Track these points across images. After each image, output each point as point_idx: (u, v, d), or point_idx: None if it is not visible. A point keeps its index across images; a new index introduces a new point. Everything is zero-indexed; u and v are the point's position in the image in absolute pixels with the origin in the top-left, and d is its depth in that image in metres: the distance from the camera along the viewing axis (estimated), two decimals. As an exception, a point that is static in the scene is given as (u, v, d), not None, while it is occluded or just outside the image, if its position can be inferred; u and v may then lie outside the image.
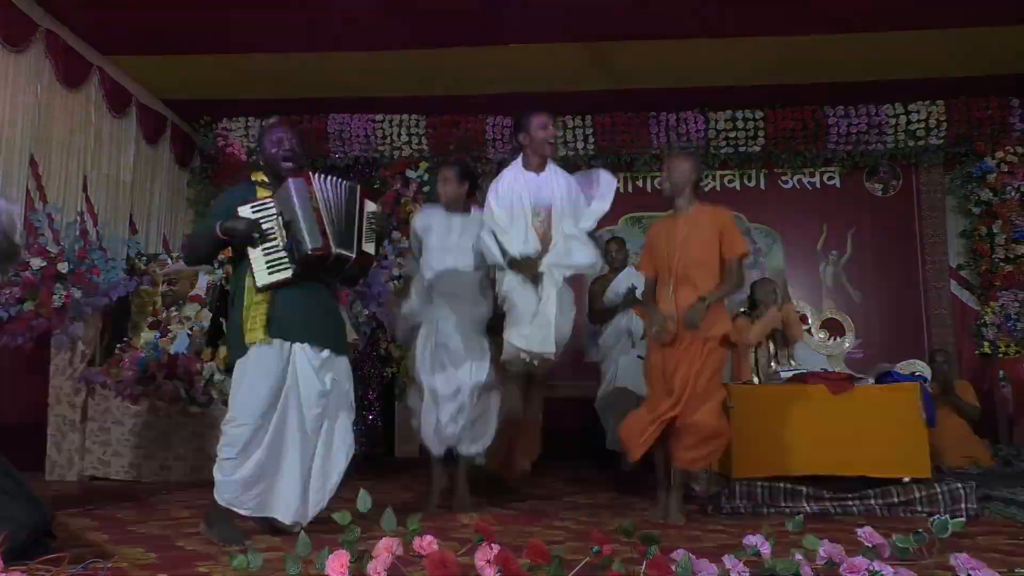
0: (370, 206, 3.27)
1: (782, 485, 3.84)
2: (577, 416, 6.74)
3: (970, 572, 2.16)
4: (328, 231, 3.06)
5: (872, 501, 3.80)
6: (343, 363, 3.24)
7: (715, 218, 3.71)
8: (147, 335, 5.10)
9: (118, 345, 5.08)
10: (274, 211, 3.09)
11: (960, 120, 7.14)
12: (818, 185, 7.61)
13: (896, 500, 3.79)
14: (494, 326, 4.09)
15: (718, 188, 7.53)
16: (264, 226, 3.08)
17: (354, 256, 3.15)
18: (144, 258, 5.35)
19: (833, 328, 5.26)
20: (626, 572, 2.14)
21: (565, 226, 3.84)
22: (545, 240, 3.84)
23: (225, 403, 3.39)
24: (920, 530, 2.59)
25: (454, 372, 3.94)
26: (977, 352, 7.12)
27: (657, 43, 6.16)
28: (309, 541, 2.29)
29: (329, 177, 3.19)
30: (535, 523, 3.49)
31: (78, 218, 5.75)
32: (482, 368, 3.95)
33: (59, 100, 5.70)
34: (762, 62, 6.43)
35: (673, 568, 2.11)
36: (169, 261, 5.33)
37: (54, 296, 4.74)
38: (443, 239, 4.08)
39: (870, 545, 2.43)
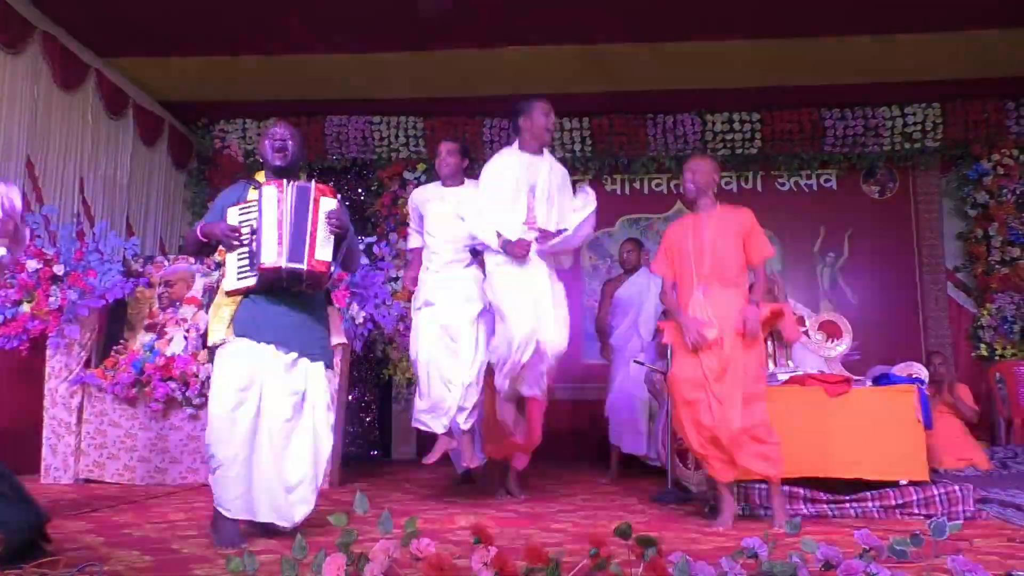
0: (327, 204, 3.16)
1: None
2: (574, 418, 6.74)
3: (967, 574, 2.16)
4: (284, 245, 3.04)
5: (869, 503, 3.80)
6: (319, 369, 3.21)
7: (740, 220, 3.76)
8: (143, 337, 5.09)
9: (114, 347, 5.06)
10: (254, 216, 3.09)
11: (956, 123, 7.15)
12: (815, 187, 7.62)
13: (893, 502, 3.79)
14: None
15: (715, 190, 7.52)
16: (245, 231, 3.09)
17: (305, 268, 3.07)
18: (141, 260, 5.33)
19: (830, 330, 5.26)
20: (623, 574, 2.14)
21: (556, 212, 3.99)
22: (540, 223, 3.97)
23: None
24: (917, 532, 2.59)
25: (457, 355, 4.12)
26: (973, 354, 7.13)
27: (654, 46, 6.17)
28: (305, 544, 2.28)
29: (293, 183, 3.15)
30: (532, 525, 3.48)
31: (74, 220, 5.75)
32: (480, 348, 4.14)
33: (56, 102, 5.69)
34: (759, 65, 6.45)
35: (670, 570, 2.10)
36: (166, 263, 5.32)
37: (50, 298, 4.73)
38: (442, 210, 4.29)
39: (867, 547, 2.42)
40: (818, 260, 7.50)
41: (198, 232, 3.16)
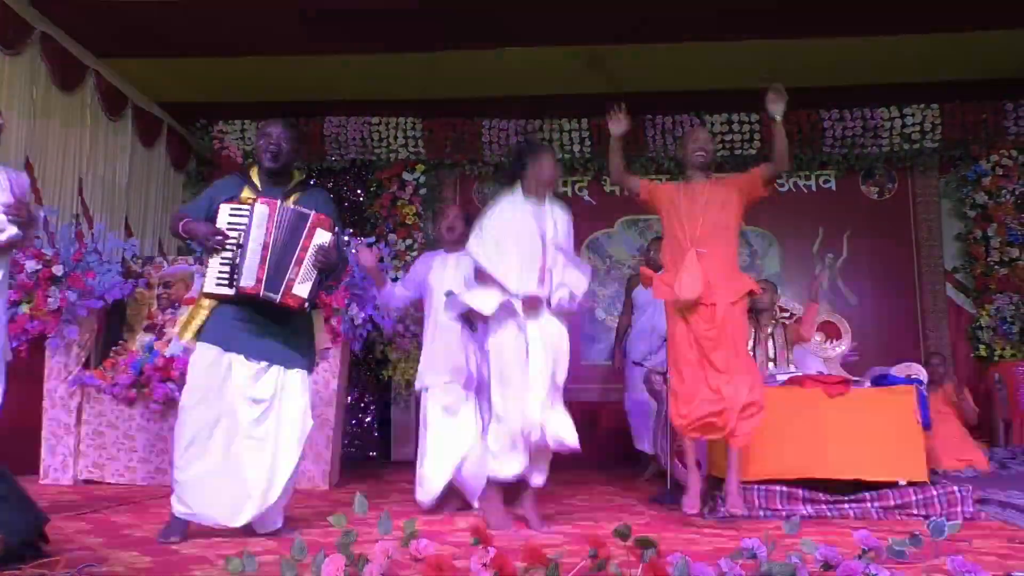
0: (321, 237, 3.13)
1: (778, 488, 3.84)
2: (574, 419, 6.74)
3: (966, 575, 2.16)
4: (264, 272, 3.04)
5: (868, 504, 3.80)
6: (294, 376, 3.20)
7: (728, 181, 3.87)
8: (142, 338, 5.09)
9: (113, 348, 5.06)
10: (245, 222, 3.07)
11: (955, 123, 7.16)
12: (814, 188, 7.62)
13: (892, 503, 3.78)
14: None
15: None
16: (231, 233, 3.07)
17: (278, 301, 3.06)
18: (139, 261, 5.33)
19: (829, 331, 5.26)
20: (622, 575, 2.14)
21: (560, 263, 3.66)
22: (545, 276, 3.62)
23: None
24: (916, 533, 2.59)
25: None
26: (972, 355, 7.13)
27: (653, 46, 6.17)
28: (304, 544, 2.28)
29: (289, 208, 3.12)
30: (531, 526, 3.48)
31: (73, 221, 5.75)
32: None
33: (55, 103, 5.69)
34: (757, 66, 6.44)
35: (669, 571, 2.11)
36: (164, 264, 5.32)
37: (49, 299, 4.73)
38: (447, 278, 4.09)
39: (866, 548, 2.43)
40: (817, 261, 7.50)
41: (179, 229, 3.15)
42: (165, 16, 5.59)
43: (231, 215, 3.10)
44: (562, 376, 3.59)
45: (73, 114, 5.93)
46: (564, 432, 3.56)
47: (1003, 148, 7.15)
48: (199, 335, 3.11)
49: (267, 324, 3.14)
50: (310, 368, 3.30)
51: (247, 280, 3.03)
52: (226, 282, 3.06)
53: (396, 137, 7.49)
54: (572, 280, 3.61)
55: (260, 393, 3.11)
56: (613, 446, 6.36)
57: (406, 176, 7.51)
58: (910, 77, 6.69)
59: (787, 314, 5.17)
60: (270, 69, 6.49)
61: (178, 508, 3.04)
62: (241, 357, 3.10)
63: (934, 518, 2.75)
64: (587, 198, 7.62)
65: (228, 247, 3.06)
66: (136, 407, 4.91)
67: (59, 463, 4.91)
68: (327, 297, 4.87)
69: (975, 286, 7.20)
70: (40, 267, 4.78)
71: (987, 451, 5.90)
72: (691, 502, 3.59)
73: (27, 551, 2.41)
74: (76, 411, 4.95)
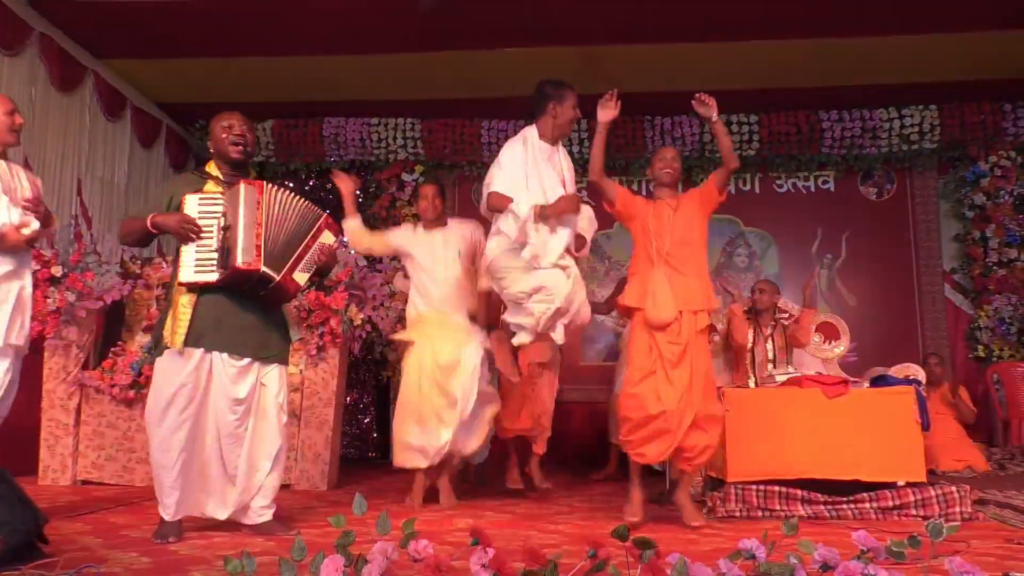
0: (327, 238, 3.20)
1: (777, 489, 3.84)
2: (573, 419, 6.75)
3: None
4: (262, 248, 3.01)
5: (866, 505, 3.80)
6: (273, 372, 3.20)
7: (690, 196, 3.85)
8: (141, 339, 5.08)
9: (112, 349, 5.06)
10: (220, 210, 3.06)
11: (953, 124, 7.17)
12: (813, 189, 7.63)
13: (890, 504, 3.79)
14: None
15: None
16: (203, 222, 3.04)
17: (278, 279, 3.06)
18: (138, 262, 5.33)
19: (828, 332, 5.27)
20: (621, 576, 2.14)
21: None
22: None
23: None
24: (915, 534, 2.59)
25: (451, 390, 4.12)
26: (971, 356, 7.14)
27: (651, 47, 6.18)
28: (304, 545, 2.28)
29: (285, 193, 3.13)
30: (530, 526, 3.48)
31: (72, 222, 5.74)
32: (475, 380, 4.11)
33: (53, 103, 5.69)
34: (756, 66, 6.46)
35: (668, 572, 2.11)
36: (163, 265, 5.32)
37: (48, 299, 4.72)
38: (431, 254, 4.31)
39: (865, 549, 2.43)
40: (815, 262, 7.51)
41: (148, 224, 3.05)
42: (164, 17, 5.59)
43: (202, 204, 3.07)
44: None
45: (72, 115, 5.93)
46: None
47: (1001, 149, 7.16)
48: (187, 337, 3.04)
49: (246, 317, 3.13)
50: (286, 361, 3.31)
51: (245, 256, 2.98)
52: (211, 268, 3.03)
53: (395, 138, 7.49)
54: (584, 225, 3.84)
55: (241, 393, 3.11)
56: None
57: (405, 177, 7.52)
58: (909, 78, 6.69)
59: (786, 315, 5.17)
60: (269, 70, 6.49)
61: (167, 513, 3.05)
62: (224, 355, 3.09)
63: (932, 519, 2.76)
64: (585, 198, 7.61)
65: (206, 234, 3.03)
66: (135, 408, 4.91)
67: (58, 464, 4.90)
68: (326, 298, 4.87)
69: (973, 287, 7.21)
70: (39, 268, 4.77)
71: (985, 452, 5.91)
72: (632, 509, 3.61)
73: (26, 552, 2.41)
74: (75, 412, 4.95)
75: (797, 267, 7.50)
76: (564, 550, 2.70)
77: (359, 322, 4.92)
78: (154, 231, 3.08)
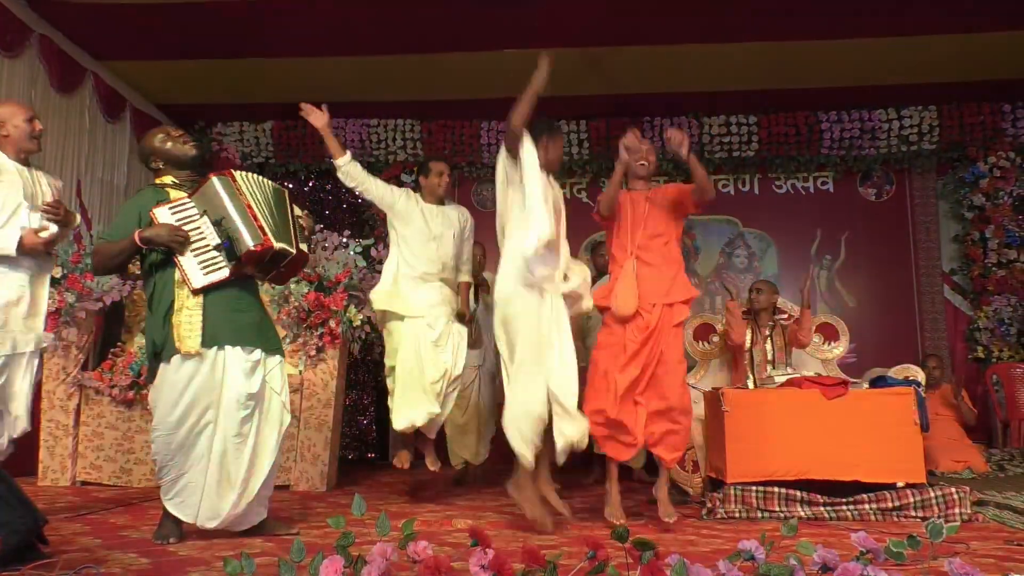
0: (297, 211, 3.32)
1: (776, 490, 3.84)
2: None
3: (964, 576, 2.16)
4: (265, 227, 3.05)
5: (866, 506, 3.80)
6: (276, 361, 3.21)
7: (665, 191, 3.90)
8: (141, 340, 5.08)
9: (111, 350, 5.06)
10: (196, 211, 3.06)
11: (952, 125, 7.17)
12: (812, 190, 7.63)
13: (890, 505, 3.79)
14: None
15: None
16: (188, 227, 3.04)
17: (294, 252, 3.14)
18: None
19: (827, 332, 5.27)
20: (620, 577, 2.14)
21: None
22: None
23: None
24: (914, 535, 2.59)
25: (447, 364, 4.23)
26: (970, 357, 7.14)
27: (651, 49, 6.18)
28: (303, 546, 2.28)
29: (251, 175, 3.19)
30: (529, 528, 3.48)
31: (72, 223, 5.74)
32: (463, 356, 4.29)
33: (53, 105, 5.69)
34: (756, 67, 6.46)
35: (667, 573, 2.11)
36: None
37: (47, 300, 4.72)
38: (429, 227, 4.34)
39: (864, 550, 2.43)
40: (815, 262, 7.51)
41: (136, 239, 3.00)
42: (163, 18, 5.59)
43: (174, 212, 3.05)
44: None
45: (71, 116, 5.93)
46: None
47: (1001, 150, 7.16)
48: (203, 338, 3.03)
49: (249, 311, 3.16)
50: (283, 353, 3.31)
51: (254, 239, 3.01)
52: (219, 266, 3.04)
53: (395, 139, 7.50)
54: (578, 270, 3.67)
55: (254, 387, 3.11)
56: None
57: (404, 178, 7.50)
58: (908, 79, 6.70)
59: (784, 315, 5.17)
60: (268, 71, 6.50)
61: (177, 512, 3.04)
62: (237, 349, 3.08)
63: (932, 520, 2.76)
64: (586, 200, 7.63)
65: (196, 236, 3.04)
66: (134, 409, 4.91)
67: (57, 464, 4.91)
68: (325, 299, 4.87)
69: (973, 288, 7.21)
70: (38, 269, 4.78)
71: (985, 453, 5.91)
72: (613, 511, 3.66)
73: (26, 552, 2.41)
74: (74, 413, 4.96)
75: (796, 268, 7.50)
76: (563, 551, 2.70)
77: (358, 323, 4.92)
78: (143, 247, 3.05)
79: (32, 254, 3.33)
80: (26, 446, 4.85)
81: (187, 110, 7.32)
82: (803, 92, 6.95)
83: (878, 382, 4.35)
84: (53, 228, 3.34)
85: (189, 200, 3.09)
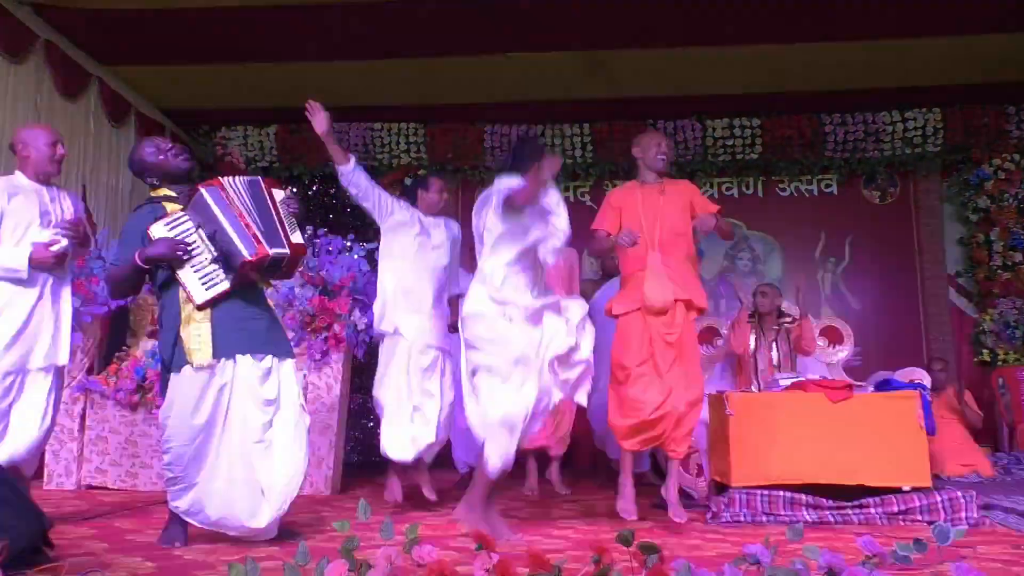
0: (279, 193, 3.25)
1: (781, 494, 3.83)
2: (577, 424, 6.73)
3: (970, 581, 2.15)
4: (258, 234, 3.04)
5: (871, 510, 3.79)
6: (288, 365, 3.21)
7: (684, 189, 3.88)
8: (146, 344, 5.09)
9: (117, 354, 5.07)
10: (191, 224, 3.05)
11: (957, 128, 7.16)
12: (816, 193, 7.62)
13: (896, 509, 3.77)
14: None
15: (715, 195, 7.54)
16: (190, 241, 3.03)
17: (288, 252, 3.11)
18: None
19: (832, 336, 5.27)
20: (626, 581, 2.14)
21: None
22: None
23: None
24: (921, 539, 2.58)
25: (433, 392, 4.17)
26: (976, 360, 7.12)
27: (654, 52, 6.18)
28: (308, 550, 2.28)
29: (236, 179, 3.18)
30: (534, 531, 3.48)
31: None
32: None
33: (58, 110, 5.70)
34: (759, 70, 6.46)
35: (673, 577, 2.10)
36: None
37: (53, 305, 4.73)
38: (429, 240, 4.29)
39: (870, 554, 2.42)
40: (819, 265, 7.50)
41: (137, 261, 3.02)
42: (168, 24, 5.61)
43: (170, 227, 3.05)
44: None
45: (77, 121, 5.95)
46: None
47: (1005, 152, 7.14)
48: (215, 349, 3.03)
49: (257, 317, 3.16)
50: (294, 356, 3.31)
51: (248, 250, 3.00)
52: (219, 279, 3.04)
53: (398, 143, 7.50)
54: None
55: (269, 393, 3.10)
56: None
57: (408, 181, 7.50)
58: (912, 81, 6.69)
59: (789, 319, 5.17)
60: (272, 75, 6.51)
61: (188, 516, 3.04)
62: (248, 357, 3.08)
63: (938, 524, 2.75)
64: (589, 203, 7.63)
65: (194, 250, 3.04)
66: (139, 413, 4.92)
67: (62, 468, 4.91)
68: (329, 303, 4.88)
69: (978, 290, 7.19)
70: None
71: (991, 456, 5.89)
72: (625, 505, 3.67)
73: (31, 556, 2.41)
74: (80, 417, 4.97)
75: (801, 271, 7.46)
76: (568, 555, 2.70)
77: (363, 327, 4.92)
78: (146, 267, 3.06)
79: (43, 268, 3.35)
80: (31, 450, 4.87)
81: (191, 114, 7.34)
82: (807, 95, 6.94)
83: (883, 385, 4.34)
84: (64, 242, 3.35)
85: (184, 214, 3.09)
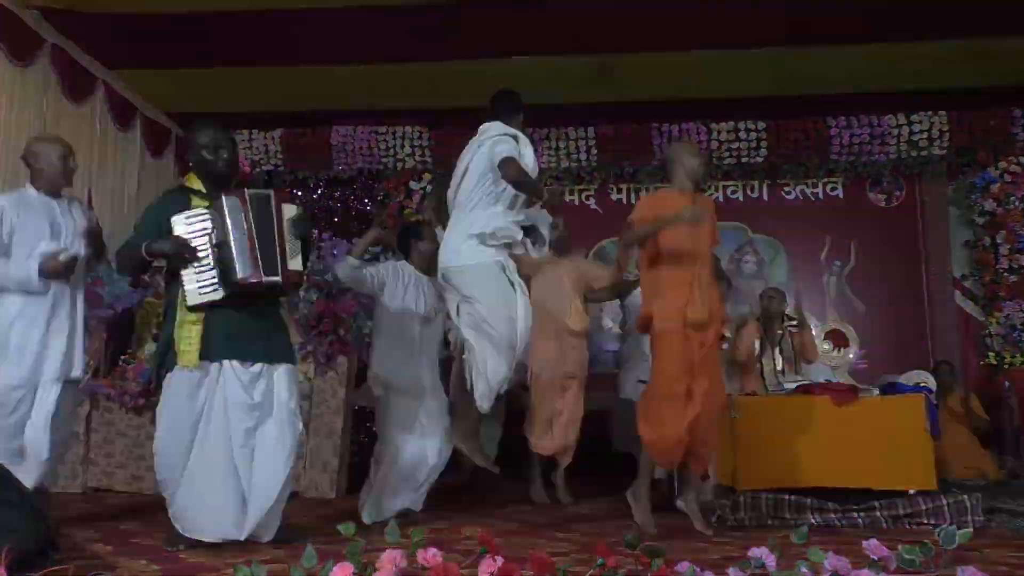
0: (289, 211, 3.21)
1: (787, 497, 3.82)
2: (581, 426, 6.73)
3: (976, 584, 2.15)
4: (259, 258, 3.02)
5: (877, 513, 3.78)
6: (283, 371, 3.19)
7: (710, 207, 3.78)
8: (151, 347, 5.10)
9: (122, 357, 5.09)
10: (208, 226, 3.05)
11: (963, 131, 7.13)
12: (821, 196, 7.61)
13: (901, 512, 3.76)
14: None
15: (721, 199, 7.53)
16: (195, 243, 3.03)
17: (280, 281, 3.09)
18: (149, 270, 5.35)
19: (837, 339, 5.26)
20: (630, 584, 2.14)
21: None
22: None
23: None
24: (926, 542, 2.57)
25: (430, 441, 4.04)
26: (982, 363, 7.09)
27: (659, 55, 6.17)
28: (314, 553, 2.29)
29: (260, 195, 3.15)
30: (539, 535, 3.47)
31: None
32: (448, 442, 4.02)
33: (64, 114, 5.72)
34: (764, 74, 6.45)
35: (678, 580, 2.10)
36: (173, 273, 5.35)
37: (59, 308, 4.74)
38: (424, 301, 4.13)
39: (876, 557, 2.41)
40: (824, 269, 7.48)
41: (142, 251, 3.05)
42: (173, 27, 5.62)
43: (189, 223, 3.06)
44: None
45: (83, 125, 5.96)
46: None
47: (1012, 155, 7.12)
48: (202, 352, 3.05)
49: (253, 324, 3.14)
50: (294, 361, 3.31)
51: (244, 272, 3.00)
52: (214, 286, 3.04)
53: (403, 146, 7.50)
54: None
55: (256, 397, 3.11)
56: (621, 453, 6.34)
57: (413, 185, 7.52)
58: (917, 84, 6.67)
59: (794, 322, 5.16)
60: (277, 79, 6.53)
61: (183, 528, 3.04)
62: (236, 363, 3.08)
63: (944, 527, 2.74)
64: (594, 206, 7.63)
65: (201, 252, 3.03)
66: (145, 416, 4.93)
67: (68, 471, 4.92)
68: (334, 306, 4.89)
69: (984, 294, 7.16)
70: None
71: (997, 460, 5.87)
72: (649, 522, 3.62)
73: (37, 559, 2.41)
74: (85, 420, 4.98)
75: (806, 274, 7.47)
76: (573, 558, 2.69)
77: (368, 330, 4.92)
78: (149, 258, 3.08)
79: (54, 278, 3.36)
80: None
81: (197, 118, 7.33)
82: (812, 98, 6.93)
83: (889, 389, 4.33)
84: (72, 250, 3.37)
85: (206, 212, 3.09)
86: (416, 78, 6.54)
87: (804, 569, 2.23)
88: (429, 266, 4.05)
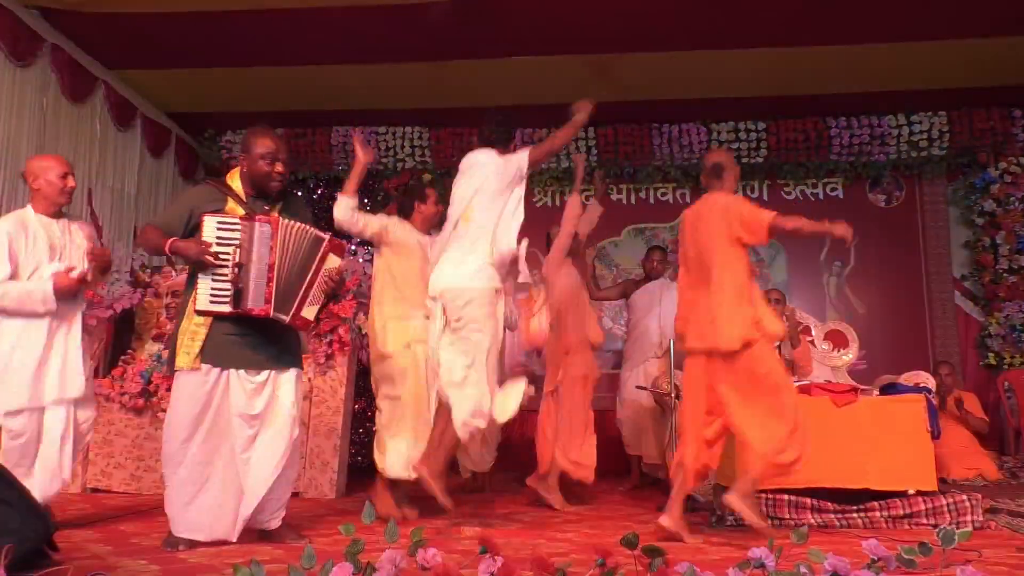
0: (332, 262, 3.16)
1: (786, 497, 3.83)
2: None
3: (976, 585, 2.15)
4: (274, 293, 3.01)
5: (876, 513, 3.78)
6: (288, 376, 3.20)
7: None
8: (151, 347, 5.11)
9: (122, 357, 5.09)
10: (237, 240, 3.01)
11: (963, 131, 7.14)
12: (821, 196, 7.61)
13: (901, 512, 3.77)
14: None
15: (721, 199, 7.52)
16: (219, 250, 3.00)
17: (287, 320, 3.07)
18: (148, 270, 5.36)
19: (836, 339, 5.26)
20: (630, 585, 2.14)
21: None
22: None
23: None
24: (926, 542, 2.57)
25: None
26: (982, 363, 7.09)
27: (659, 55, 6.18)
28: (313, 553, 2.28)
29: (296, 227, 3.09)
30: (538, 535, 3.47)
31: (83, 231, 5.77)
32: None
33: (64, 113, 5.73)
34: (764, 74, 6.45)
35: (677, 580, 2.10)
36: (173, 273, 5.35)
37: (58, 308, 4.74)
38: (424, 257, 4.15)
39: (875, 557, 2.41)
40: (824, 269, 7.49)
41: (166, 248, 3.04)
42: (174, 28, 5.63)
43: (220, 228, 3.02)
44: None
45: (83, 125, 5.97)
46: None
47: (1011, 155, 7.13)
48: (200, 357, 3.07)
49: (263, 330, 3.14)
50: (300, 366, 3.31)
51: (255, 302, 3.01)
52: (225, 301, 3.03)
53: (403, 146, 7.51)
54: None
55: (257, 408, 3.12)
56: (621, 454, 6.34)
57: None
58: (917, 84, 6.68)
59: (799, 325, 5.16)
60: (278, 79, 6.53)
61: (182, 532, 3.05)
62: (241, 372, 3.09)
63: (944, 527, 2.74)
64: (594, 206, 7.62)
65: (223, 260, 3.01)
66: (144, 416, 4.93)
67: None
68: (334, 306, 4.88)
69: (984, 294, 7.17)
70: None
71: (997, 460, 5.88)
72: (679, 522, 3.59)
73: (36, 559, 2.41)
74: (85, 420, 4.97)
75: (806, 275, 7.48)
76: (573, 559, 2.69)
77: (367, 329, 4.92)
78: (172, 254, 3.09)
79: (66, 296, 3.37)
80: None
81: (197, 118, 7.36)
82: (812, 98, 6.94)
83: (889, 389, 4.33)
84: (83, 266, 3.38)
85: (238, 224, 3.04)
86: (416, 78, 6.54)
87: (803, 569, 2.23)
88: (430, 229, 4.25)
